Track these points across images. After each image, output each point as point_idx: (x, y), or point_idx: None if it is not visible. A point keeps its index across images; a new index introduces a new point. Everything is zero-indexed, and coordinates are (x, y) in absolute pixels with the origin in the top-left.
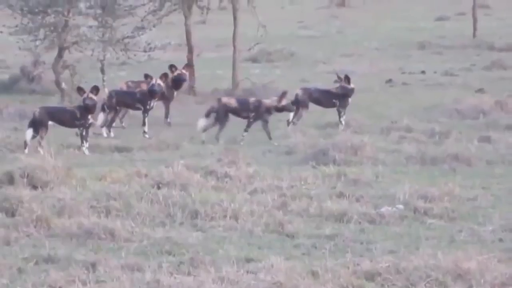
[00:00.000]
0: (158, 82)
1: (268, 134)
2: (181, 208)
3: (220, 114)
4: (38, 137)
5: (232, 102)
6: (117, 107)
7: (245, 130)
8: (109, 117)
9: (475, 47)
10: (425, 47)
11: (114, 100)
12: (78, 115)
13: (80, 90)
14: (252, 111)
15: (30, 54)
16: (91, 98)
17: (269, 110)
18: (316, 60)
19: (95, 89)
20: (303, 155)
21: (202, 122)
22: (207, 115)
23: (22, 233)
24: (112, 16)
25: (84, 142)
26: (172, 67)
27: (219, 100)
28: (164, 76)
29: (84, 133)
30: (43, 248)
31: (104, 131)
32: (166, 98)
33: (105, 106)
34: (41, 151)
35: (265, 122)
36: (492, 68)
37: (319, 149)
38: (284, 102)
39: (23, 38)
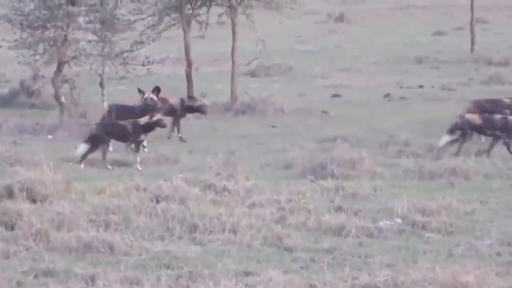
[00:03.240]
0: (150, 96)
1: (508, 147)
2: (180, 221)
3: (464, 131)
4: (95, 153)
5: (476, 118)
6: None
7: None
8: None
9: (473, 61)
10: (422, 61)
11: (113, 114)
12: (131, 131)
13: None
14: (499, 129)
15: (30, 69)
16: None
17: None
18: (314, 74)
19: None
20: (301, 169)
21: (445, 139)
22: (452, 132)
23: (22, 247)
24: (111, 30)
25: (137, 157)
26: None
27: (462, 116)
28: (156, 90)
29: (135, 148)
30: (42, 262)
31: None
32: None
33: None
34: (110, 167)
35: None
36: (490, 83)
37: (317, 163)
38: None
39: (23, 53)
